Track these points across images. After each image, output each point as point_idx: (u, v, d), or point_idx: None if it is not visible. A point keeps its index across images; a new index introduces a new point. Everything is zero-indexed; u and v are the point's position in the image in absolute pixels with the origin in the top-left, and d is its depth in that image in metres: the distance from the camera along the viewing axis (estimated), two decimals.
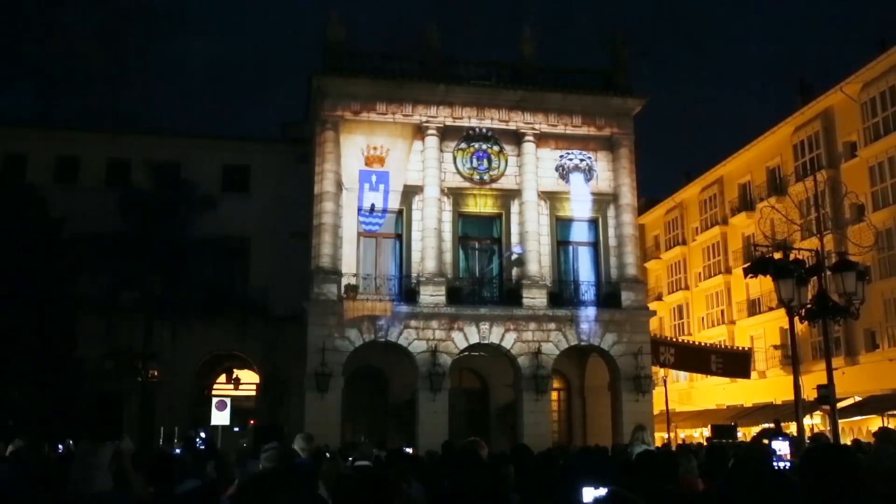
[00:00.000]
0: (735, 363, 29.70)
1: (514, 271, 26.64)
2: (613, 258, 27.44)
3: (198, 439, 16.26)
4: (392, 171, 26.36)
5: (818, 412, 25.80)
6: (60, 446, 15.85)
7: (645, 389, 26.21)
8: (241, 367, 31.31)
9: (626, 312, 26.74)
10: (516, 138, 27.57)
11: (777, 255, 15.44)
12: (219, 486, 7.59)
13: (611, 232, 27.68)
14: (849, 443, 17.51)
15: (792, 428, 14.53)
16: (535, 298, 26.23)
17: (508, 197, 27.18)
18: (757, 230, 27.22)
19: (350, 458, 11.65)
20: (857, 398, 27.82)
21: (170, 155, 30.21)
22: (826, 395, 14.84)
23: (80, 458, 7.17)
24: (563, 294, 26.82)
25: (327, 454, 11.72)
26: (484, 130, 27.41)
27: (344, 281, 25.21)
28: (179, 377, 28.09)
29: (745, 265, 18.44)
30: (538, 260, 26.64)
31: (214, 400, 22.69)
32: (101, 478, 6.92)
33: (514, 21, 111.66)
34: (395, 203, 26.25)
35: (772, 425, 18.52)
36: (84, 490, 6.90)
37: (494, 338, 25.91)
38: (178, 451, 14.60)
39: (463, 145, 27.28)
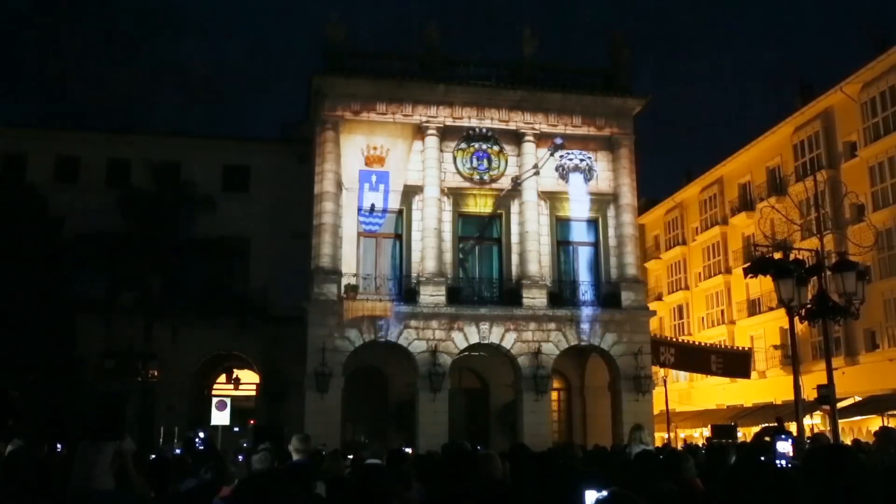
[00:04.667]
0: (735, 363, 29.70)
1: (515, 270, 26.63)
2: (613, 258, 27.43)
3: (197, 440, 16.23)
4: (392, 171, 26.36)
5: (818, 412, 25.78)
6: (59, 446, 15.83)
7: (645, 389, 26.21)
8: (241, 367, 31.32)
9: (626, 312, 26.73)
10: (516, 138, 27.56)
11: (777, 255, 15.46)
12: (215, 486, 7.58)
13: (611, 232, 27.67)
14: (849, 443, 17.51)
15: (792, 428, 14.51)
16: (535, 298, 26.23)
17: (508, 197, 27.17)
18: (757, 230, 27.22)
19: (350, 457, 11.67)
20: (857, 398, 27.81)
21: (170, 155, 30.21)
22: (826, 395, 14.84)
23: (82, 457, 7.16)
24: (563, 294, 26.81)
25: (323, 453, 11.72)
26: (484, 130, 27.41)
27: (344, 281, 25.21)
28: (179, 377, 28.09)
29: (745, 265, 18.43)
30: (538, 260, 26.63)
31: (214, 400, 22.72)
32: (103, 477, 6.92)
33: (514, 21, 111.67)
34: (395, 203, 26.25)
35: (774, 423, 18.49)
36: (85, 489, 6.90)
37: (494, 338, 25.90)
38: (178, 451, 14.59)
39: (463, 145, 27.28)
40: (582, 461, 9.77)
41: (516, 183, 26.89)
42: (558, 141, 27.31)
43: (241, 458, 10.21)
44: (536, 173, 26.99)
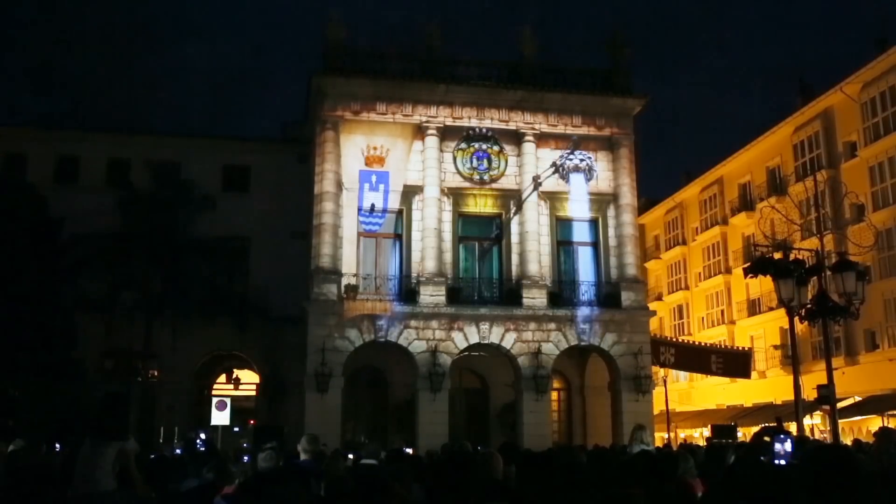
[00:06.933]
0: (735, 363, 29.70)
1: (515, 270, 26.64)
2: (613, 258, 27.43)
3: (198, 440, 16.25)
4: (392, 171, 26.35)
5: (818, 412, 25.79)
6: (59, 446, 15.84)
7: (645, 389, 26.21)
8: (241, 367, 31.29)
9: (626, 312, 26.73)
10: (516, 138, 27.56)
11: (777, 255, 15.46)
12: (217, 486, 7.59)
13: (611, 232, 27.67)
14: (849, 443, 17.52)
15: (792, 428, 14.53)
16: (535, 298, 26.23)
17: (508, 197, 27.17)
18: (757, 230, 27.21)
19: (350, 456, 11.66)
20: (857, 398, 27.81)
21: (170, 155, 30.19)
22: (826, 395, 14.86)
23: (85, 457, 7.16)
24: (563, 294, 26.81)
25: (326, 453, 11.73)
26: (484, 130, 27.40)
27: (344, 281, 25.21)
28: (179, 377, 28.07)
29: (745, 265, 18.44)
30: (538, 260, 26.64)
31: (214, 400, 22.71)
32: (105, 477, 6.93)
33: (514, 21, 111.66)
34: (395, 203, 26.24)
35: (773, 423, 18.49)
36: (87, 489, 6.91)
37: (494, 338, 25.90)
38: (178, 451, 14.60)
39: (463, 145, 27.28)
40: (584, 462, 9.76)
41: (537, 183, 26.85)
42: (575, 138, 27.38)
43: (246, 459, 10.19)
44: (555, 172, 27.02)
